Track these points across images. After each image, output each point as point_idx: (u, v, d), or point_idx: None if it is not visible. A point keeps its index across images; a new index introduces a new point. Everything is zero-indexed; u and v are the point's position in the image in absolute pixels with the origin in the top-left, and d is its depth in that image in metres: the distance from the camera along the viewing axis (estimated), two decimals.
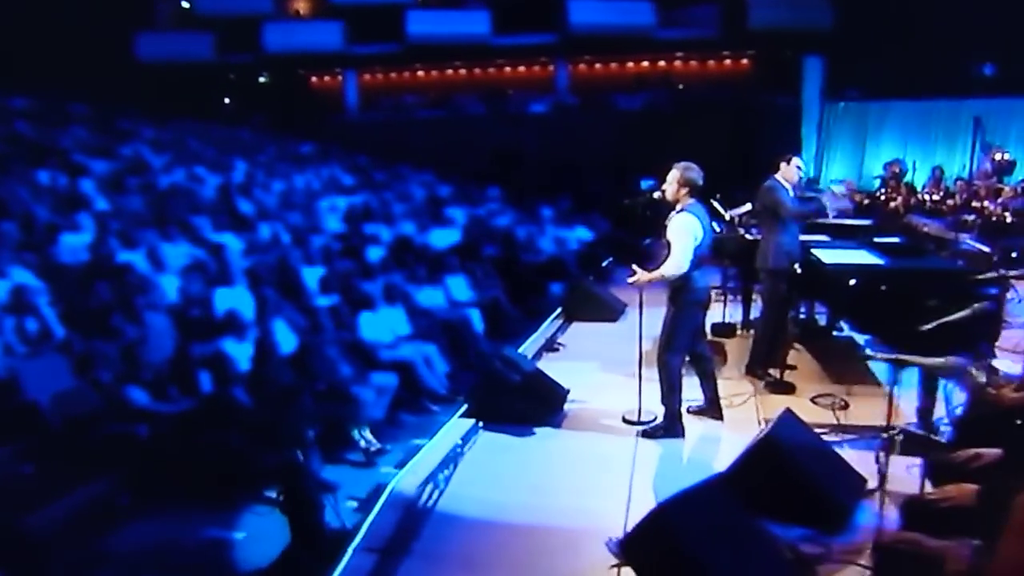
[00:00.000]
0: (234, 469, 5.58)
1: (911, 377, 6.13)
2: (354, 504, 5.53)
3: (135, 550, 5.29)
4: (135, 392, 5.92)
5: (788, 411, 4.43)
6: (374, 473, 5.95)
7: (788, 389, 5.88)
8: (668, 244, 4.94)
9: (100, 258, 8.79)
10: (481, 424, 5.17)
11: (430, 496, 4.20)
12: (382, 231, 12.46)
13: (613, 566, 3.54)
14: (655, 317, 5.57)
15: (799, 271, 5.98)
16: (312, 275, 9.58)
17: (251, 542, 5.16)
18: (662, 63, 20.18)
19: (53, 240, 9.01)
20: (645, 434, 5.13)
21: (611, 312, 7.84)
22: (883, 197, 11.68)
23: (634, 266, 5.23)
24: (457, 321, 8.84)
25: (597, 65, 20.65)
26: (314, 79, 22.74)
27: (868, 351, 6.84)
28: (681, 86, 19.86)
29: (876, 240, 6.90)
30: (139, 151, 15.03)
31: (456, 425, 5.09)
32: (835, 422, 5.21)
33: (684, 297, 4.97)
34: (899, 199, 10.68)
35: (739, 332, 7.31)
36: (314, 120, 20.86)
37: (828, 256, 6.15)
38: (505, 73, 21.39)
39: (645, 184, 17.03)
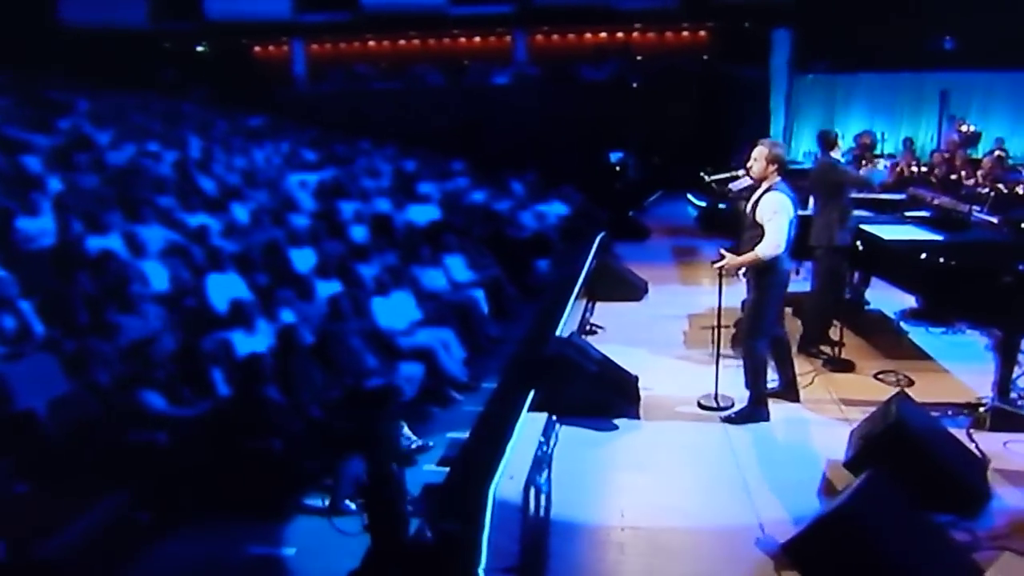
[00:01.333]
0: (277, 478, 5.03)
1: (965, 352, 6.07)
2: (409, 508, 5.08)
3: (171, 574, 4.70)
4: (150, 396, 5.24)
5: (903, 393, 4.20)
6: (418, 472, 5.50)
7: (848, 367, 5.70)
8: (758, 224, 4.61)
9: (68, 244, 7.91)
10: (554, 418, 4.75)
11: (537, 502, 3.77)
12: (350, 207, 11.76)
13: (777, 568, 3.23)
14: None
15: (861, 248, 5.76)
16: (302, 258, 8.92)
17: (305, 559, 4.65)
18: (620, 34, 19.82)
19: (7, 226, 8.02)
20: (729, 420, 4.85)
21: (635, 291, 7.51)
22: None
23: (722, 250, 4.89)
24: (464, 303, 8.36)
25: (555, 36, 20.12)
26: (258, 49, 21.41)
27: (903, 324, 6.75)
28: (640, 57, 19.56)
29: (908, 214, 6.76)
30: (79, 125, 13.76)
31: (530, 421, 4.65)
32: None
33: (769, 279, 4.67)
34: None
35: None
36: (260, 92, 19.64)
37: (885, 232, 5.97)
38: (460, 43, 20.62)
39: (614, 157, 16.77)
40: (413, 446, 5.66)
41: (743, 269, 5.00)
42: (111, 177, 10.58)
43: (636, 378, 5.02)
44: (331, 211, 11.34)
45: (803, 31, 14.95)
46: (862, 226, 6.12)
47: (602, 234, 10.79)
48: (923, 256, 5.08)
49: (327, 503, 5.07)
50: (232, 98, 19.41)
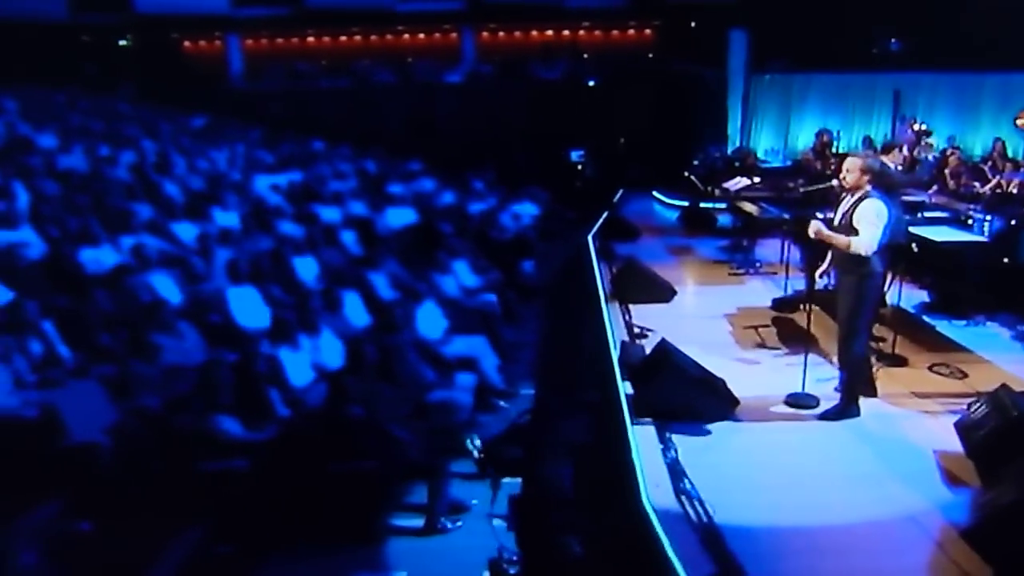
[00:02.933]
0: (369, 500, 4.87)
1: (995, 342, 6.51)
2: (501, 522, 5.02)
3: None
4: (225, 420, 4.96)
5: (1006, 386, 4.47)
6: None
7: (901, 361, 6.00)
8: (854, 228, 4.80)
9: (61, 258, 7.36)
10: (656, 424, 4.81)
11: (695, 510, 3.81)
12: (331, 212, 11.44)
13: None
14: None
15: (915, 249, 6.07)
16: (305, 266, 8.61)
17: None
18: (567, 32, 20.03)
19: None
20: (825, 417, 5.04)
21: (665, 293, 7.63)
22: (832, 167, 12.31)
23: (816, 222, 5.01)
24: (485, 309, 8.30)
25: (502, 34, 20.13)
26: (188, 44, 20.40)
27: (925, 318, 7.15)
28: (586, 55, 19.82)
29: (927, 215, 7.16)
30: (12, 124, 12.78)
31: (639, 430, 4.69)
32: (971, 391, 5.36)
33: (867, 283, 4.89)
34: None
35: (801, 307, 7.36)
36: (192, 89, 18.75)
37: (932, 233, 6.32)
38: (405, 40, 20.31)
39: (575, 155, 16.94)
40: (476, 456, 5.59)
41: (824, 270, 5.16)
42: (76, 184, 9.88)
43: (724, 381, 5.15)
44: (311, 216, 10.98)
45: (759, 32, 15.56)
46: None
47: (591, 235, 10.92)
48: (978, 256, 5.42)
49: (424, 523, 4.97)
50: (160, 95, 18.47)
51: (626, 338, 6.48)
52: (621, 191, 15.29)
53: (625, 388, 5.32)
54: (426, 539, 4.89)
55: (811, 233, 5.03)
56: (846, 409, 5.03)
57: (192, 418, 5.09)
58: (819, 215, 7.02)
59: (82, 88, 18.19)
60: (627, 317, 7.09)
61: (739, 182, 10.17)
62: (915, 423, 5.01)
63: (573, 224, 14.30)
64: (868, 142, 13.71)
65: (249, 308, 7.05)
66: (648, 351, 5.74)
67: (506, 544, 4.46)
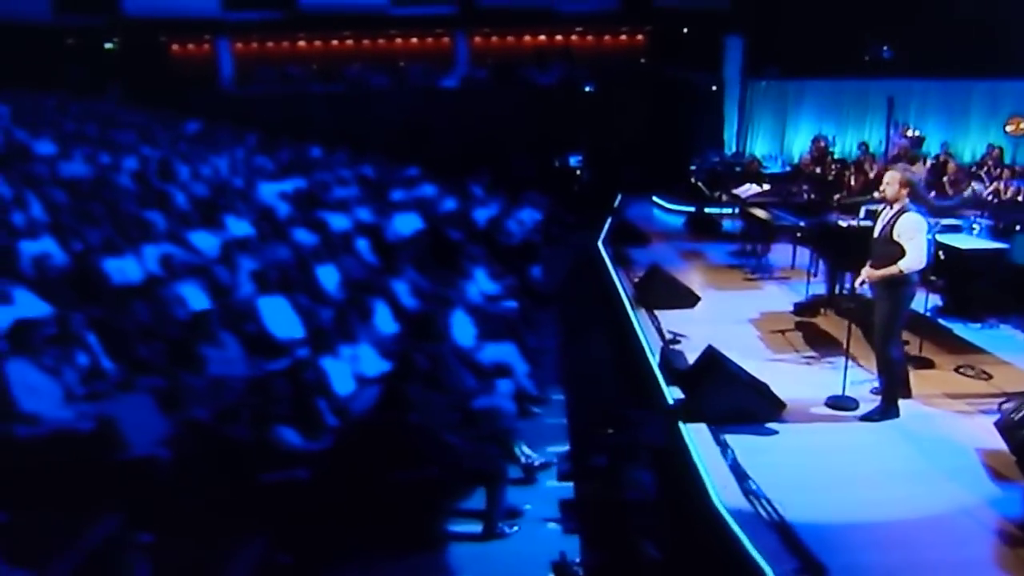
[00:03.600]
0: (428, 507, 4.99)
1: (1011, 344, 6.81)
2: (555, 526, 5.18)
3: None
4: (285, 431, 5.05)
5: None
6: (541, 489, 5.59)
7: (928, 363, 6.26)
8: (893, 242, 5.03)
9: (86, 269, 7.37)
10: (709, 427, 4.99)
11: (764, 509, 4.00)
12: (339, 219, 11.50)
13: None
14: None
15: (943, 256, 6.34)
16: (327, 275, 8.68)
17: None
18: (560, 37, 20.27)
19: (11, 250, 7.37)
20: (868, 418, 5.27)
21: (690, 299, 7.83)
22: (833, 173, 12.67)
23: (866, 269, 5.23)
24: (509, 316, 8.44)
25: (494, 38, 20.28)
26: (176, 47, 20.26)
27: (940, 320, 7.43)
28: (576, 60, 20.03)
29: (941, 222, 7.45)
30: (8, 130, 12.66)
31: (693, 432, 4.87)
32: (998, 391, 5.63)
33: (902, 291, 5.13)
34: (858, 177, 11.65)
35: (823, 311, 7.61)
36: (183, 93, 18.65)
37: (959, 242, 6.60)
38: (397, 44, 20.38)
39: (574, 160, 17.14)
40: (536, 463, 5.73)
41: (863, 279, 5.43)
42: (86, 193, 9.85)
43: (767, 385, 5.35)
44: (320, 223, 11.04)
45: (754, 39, 15.92)
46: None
47: (600, 240, 11.11)
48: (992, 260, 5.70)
49: (483, 528, 5.09)
50: (149, 98, 18.36)
51: (658, 344, 6.65)
52: (620, 196, 15.53)
53: (672, 393, 5.50)
54: (486, 544, 5.02)
55: (860, 282, 5.25)
56: (887, 411, 5.27)
57: (248, 429, 5.16)
58: (840, 222, 7.32)
59: (68, 91, 18.02)
60: (656, 323, 7.27)
61: (749, 189, 10.43)
62: (952, 423, 5.27)
63: (574, 228, 14.51)
64: (864, 148, 14.13)
65: (281, 318, 7.15)
66: (687, 356, 5.93)
67: (567, 548, 4.65)
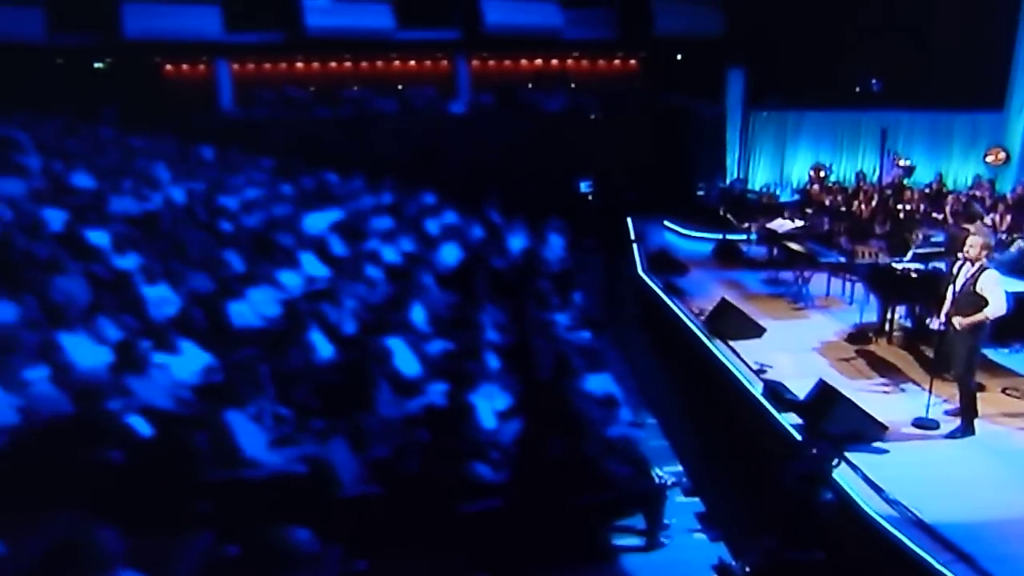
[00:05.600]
0: (598, 524, 6.00)
1: None
2: (701, 535, 6.27)
3: None
4: (480, 467, 5.97)
5: None
6: (674, 504, 6.62)
7: (981, 386, 7.52)
8: (977, 293, 6.29)
9: (215, 314, 8.07)
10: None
11: (906, 514, 5.15)
12: (390, 252, 12.30)
13: None
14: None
15: None
16: (417, 312, 9.49)
17: None
18: (555, 60, 21.44)
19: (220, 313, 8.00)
20: (953, 436, 6.51)
21: (758, 330, 8.96)
22: (839, 202, 14.17)
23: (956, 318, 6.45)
24: (590, 346, 9.43)
25: (491, 62, 21.29)
26: (169, 67, 20.58)
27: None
28: (573, 84, 21.27)
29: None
30: (48, 164, 13.01)
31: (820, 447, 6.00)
32: None
33: (982, 332, 6.41)
34: (865, 207, 13.16)
35: (873, 339, 8.86)
36: (184, 117, 19.01)
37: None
38: (394, 66, 21.18)
39: (584, 186, 18.26)
40: (669, 482, 6.78)
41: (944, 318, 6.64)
42: (162, 232, 10.43)
43: None
44: (375, 256, 11.80)
45: (755, 71, 17.44)
46: None
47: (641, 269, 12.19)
48: None
49: (646, 542, 6.12)
50: (145, 121, 18.65)
51: (743, 373, 7.79)
52: (631, 221, 16.69)
53: (788, 419, 6.64)
54: (650, 555, 6.05)
55: (959, 326, 6.42)
56: (967, 430, 6.52)
57: (432, 464, 6.04)
58: (895, 264, 8.60)
59: (61, 114, 18.19)
60: (736, 354, 8.40)
61: (783, 224, 11.69)
62: (1018, 436, 6.56)
63: (592, 252, 15.58)
64: (861, 177, 15.70)
65: (402, 356, 8.00)
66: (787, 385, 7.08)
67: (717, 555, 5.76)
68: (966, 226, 10.68)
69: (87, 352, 6.66)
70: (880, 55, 16.45)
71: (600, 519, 6.02)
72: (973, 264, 6.44)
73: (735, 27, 18.46)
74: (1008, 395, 7.43)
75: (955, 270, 6.62)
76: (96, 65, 20.34)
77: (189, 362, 6.84)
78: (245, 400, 6.07)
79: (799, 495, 5.24)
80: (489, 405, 7.17)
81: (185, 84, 20.62)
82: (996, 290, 6.26)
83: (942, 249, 9.07)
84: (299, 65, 20.91)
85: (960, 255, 6.60)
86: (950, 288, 6.60)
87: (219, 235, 11.12)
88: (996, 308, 6.24)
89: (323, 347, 7.85)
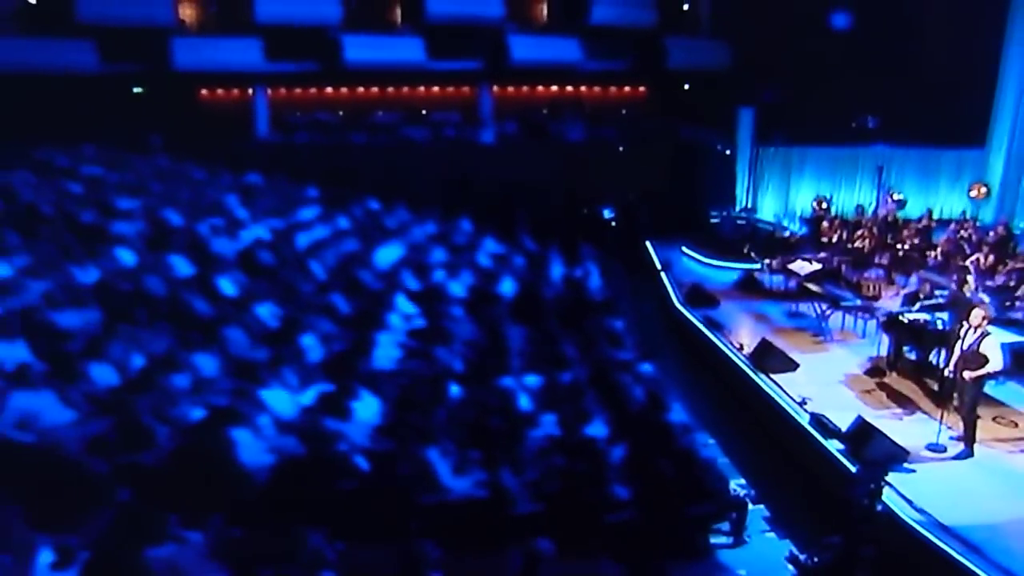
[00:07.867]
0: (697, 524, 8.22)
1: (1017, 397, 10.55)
2: (771, 534, 8.56)
3: None
4: (619, 489, 8.14)
5: None
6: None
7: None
8: (981, 355, 8.61)
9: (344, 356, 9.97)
10: None
11: (931, 520, 7.46)
12: (456, 286, 14.20)
13: None
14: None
15: None
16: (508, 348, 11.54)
17: None
18: (570, 88, 23.63)
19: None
20: (958, 458, 8.84)
21: (793, 365, 11.21)
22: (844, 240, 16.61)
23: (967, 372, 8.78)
24: (652, 377, 11.63)
25: (510, 88, 23.36)
26: (204, 92, 22.19)
27: None
28: (588, 111, 23.47)
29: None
30: (151, 207, 14.48)
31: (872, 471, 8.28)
32: None
33: (985, 380, 8.75)
34: (867, 241, 15.63)
35: (888, 372, 11.19)
36: (224, 143, 20.59)
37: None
38: (419, 92, 23.07)
39: (608, 213, 20.46)
40: (742, 493, 9.03)
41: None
42: (280, 278, 12.26)
43: None
44: (441, 290, 13.74)
45: (764, 111, 19.90)
46: None
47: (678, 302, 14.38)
48: None
49: (733, 540, 8.35)
50: (188, 149, 20.16)
51: (789, 404, 10.06)
52: (650, 244, 18.90)
53: (832, 445, 8.93)
54: (738, 551, 8.26)
55: (969, 378, 8.73)
56: (970, 452, 8.87)
57: (583, 487, 8.18)
58: (907, 314, 10.92)
59: (108, 142, 19.67)
60: (780, 388, 10.65)
61: (803, 267, 13.99)
62: (1012, 457, 8.91)
63: (620, 279, 17.72)
64: (860, 210, 18.17)
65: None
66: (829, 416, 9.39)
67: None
68: (961, 263, 13.14)
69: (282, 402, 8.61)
70: (875, 95, 18.95)
71: (701, 524, 8.21)
72: (976, 330, 8.77)
73: (745, 66, 20.83)
74: (998, 423, 9.77)
75: (962, 333, 8.95)
76: (136, 90, 21.69)
77: (365, 407, 8.84)
78: (433, 437, 8.13)
79: (863, 506, 7.47)
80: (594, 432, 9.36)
81: (221, 109, 22.22)
82: (996, 352, 8.61)
83: (943, 302, 11.39)
84: (328, 90, 22.66)
85: (965, 323, 8.91)
86: (957, 344, 8.94)
87: (311, 276, 13.03)
88: (995, 365, 8.60)
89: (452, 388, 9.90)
